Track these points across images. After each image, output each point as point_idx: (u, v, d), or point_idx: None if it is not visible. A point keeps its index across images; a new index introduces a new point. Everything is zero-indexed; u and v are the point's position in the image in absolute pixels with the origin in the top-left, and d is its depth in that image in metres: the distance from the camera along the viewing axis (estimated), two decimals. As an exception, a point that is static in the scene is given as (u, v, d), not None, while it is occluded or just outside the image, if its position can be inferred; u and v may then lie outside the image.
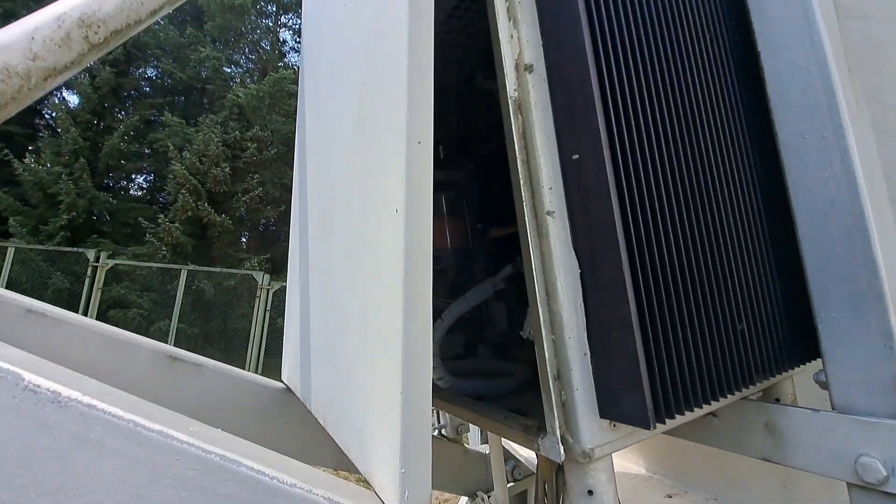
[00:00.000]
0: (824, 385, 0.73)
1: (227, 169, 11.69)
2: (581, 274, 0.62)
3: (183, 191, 11.05)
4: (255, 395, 1.23)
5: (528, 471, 2.14)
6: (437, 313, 1.11)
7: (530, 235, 0.63)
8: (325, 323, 0.89)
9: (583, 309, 0.62)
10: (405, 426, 0.50)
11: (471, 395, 0.99)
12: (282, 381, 1.32)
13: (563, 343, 0.61)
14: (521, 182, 0.64)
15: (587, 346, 0.61)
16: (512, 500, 2.06)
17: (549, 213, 0.63)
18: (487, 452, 2.18)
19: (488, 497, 2.12)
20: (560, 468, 0.71)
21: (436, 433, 2.06)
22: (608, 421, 0.62)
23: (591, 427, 0.60)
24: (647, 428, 0.55)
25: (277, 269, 11.66)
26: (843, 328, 0.68)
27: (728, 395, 0.64)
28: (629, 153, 0.62)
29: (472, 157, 1.56)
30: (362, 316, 0.67)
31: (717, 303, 0.66)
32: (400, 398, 0.49)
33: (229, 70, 15.88)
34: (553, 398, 0.61)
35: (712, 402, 0.62)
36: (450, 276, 1.67)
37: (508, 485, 2.04)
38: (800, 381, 0.91)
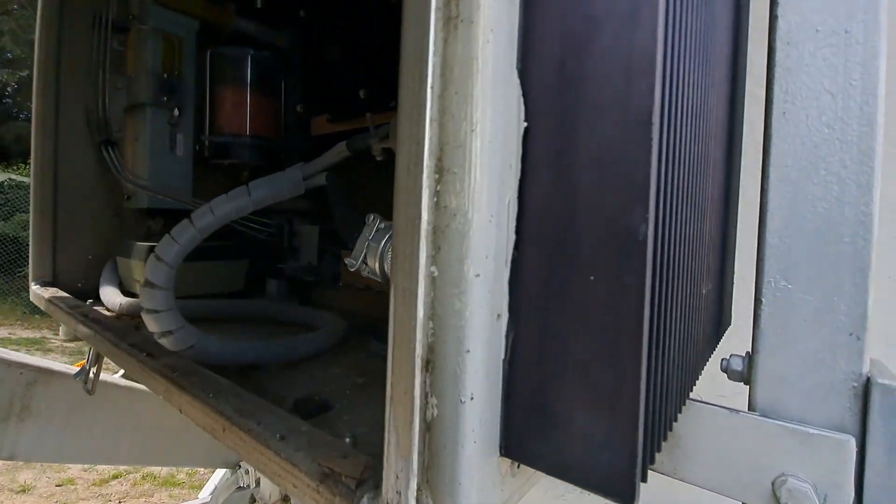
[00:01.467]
0: (738, 376, 0.55)
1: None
2: (526, 133, 0.27)
3: None
4: None
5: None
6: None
7: (433, 39, 0.24)
8: None
9: (514, 214, 0.27)
10: None
11: (228, 362, 0.58)
12: None
13: (458, 288, 0.25)
14: None
15: (506, 302, 0.27)
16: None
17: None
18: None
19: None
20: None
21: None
22: (510, 462, 0.29)
23: (482, 477, 0.27)
24: (628, 501, 0.23)
25: (8, 154, 8.67)
26: (799, 305, 0.49)
27: (683, 407, 0.39)
28: None
29: (306, 9, 1.04)
30: None
31: (693, 253, 0.39)
32: None
33: None
34: (415, 412, 0.25)
35: (675, 420, 0.36)
36: (244, 177, 1.15)
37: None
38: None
